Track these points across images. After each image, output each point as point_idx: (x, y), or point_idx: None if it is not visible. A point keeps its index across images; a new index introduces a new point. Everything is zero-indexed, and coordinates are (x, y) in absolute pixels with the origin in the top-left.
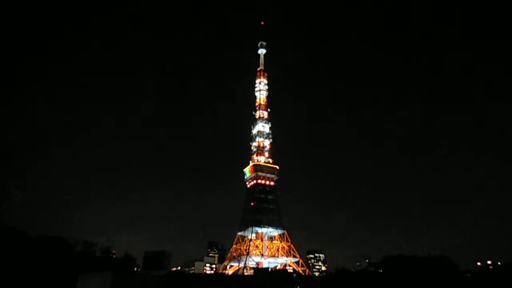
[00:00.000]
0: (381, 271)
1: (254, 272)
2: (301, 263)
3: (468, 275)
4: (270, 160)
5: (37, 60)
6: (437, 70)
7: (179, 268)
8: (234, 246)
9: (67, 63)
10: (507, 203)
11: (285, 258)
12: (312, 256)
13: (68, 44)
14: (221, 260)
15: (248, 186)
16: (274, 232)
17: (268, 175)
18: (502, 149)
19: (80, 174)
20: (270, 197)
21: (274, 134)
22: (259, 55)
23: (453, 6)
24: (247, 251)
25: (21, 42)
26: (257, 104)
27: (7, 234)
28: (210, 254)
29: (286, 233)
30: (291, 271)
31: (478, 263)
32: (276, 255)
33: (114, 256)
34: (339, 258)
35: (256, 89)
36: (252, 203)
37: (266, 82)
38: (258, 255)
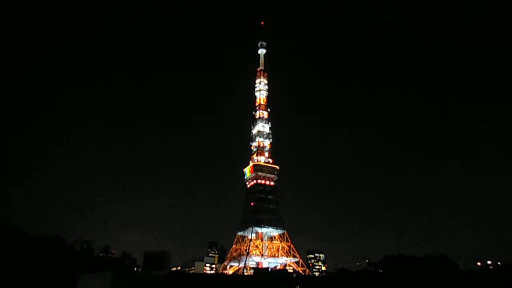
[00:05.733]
0: (381, 271)
1: (254, 272)
2: (301, 263)
3: (468, 275)
4: (270, 160)
5: (36, 58)
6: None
7: (179, 268)
8: (234, 246)
9: (66, 63)
10: (507, 203)
11: (285, 258)
12: (312, 256)
13: (69, 42)
14: (221, 260)
15: (248, 186)
16: (274, 232)
17: (268, 175)
18: (501, 149)
19: (80, 174)
20: (270, 197)
21: (274, 134)
22: (259, 55)
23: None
24: (247, 251)
25: (20, 42)
26: (257, 104)
27: (6, 234)
28: (210, 254)
29: (286, 233)
30: (291, 271)
31: (478, 263)
32: (276, 255)
33: (114, 256)
34: (339, 258)
35: (256, 89)
36: (252, 203)
37: (266, 82)
38: (258, 255)
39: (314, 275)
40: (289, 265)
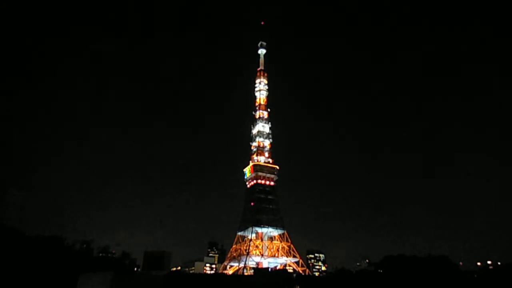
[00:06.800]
0: (381, 271)
1: (254, 272)
2: (301, 263)
3: (468, 275)
4: (270, 160)
5: (37, 58)
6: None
7: (179, 268)
8: (234, 246)
9: (66, 64)
10: (507, 203)
11: (285, 258)
12: (312, 256)
13: (69, 44)
14: (221, 260)
15: (248, 186)
16: (274, 232)
17: (268, 175)
18: (501, 149)
19: (80, 174)
20: (270, 197)
21: (274, 134)
22: (259, 55)
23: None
24: (247, 251)
25: (22, 41)
26: (257, 104)
27: (6, 234)
28: (210, 254)
29: (286, 233)
30: (291, 271)
31: (478, 263)
32: (276, 255)
33: (114, 256)
34: (339, 258)
35: (256, 89)
36: (252, 203)
37: (266, 82)
38: (258, 255)
39: (314, 275)
40: (289, 265)
